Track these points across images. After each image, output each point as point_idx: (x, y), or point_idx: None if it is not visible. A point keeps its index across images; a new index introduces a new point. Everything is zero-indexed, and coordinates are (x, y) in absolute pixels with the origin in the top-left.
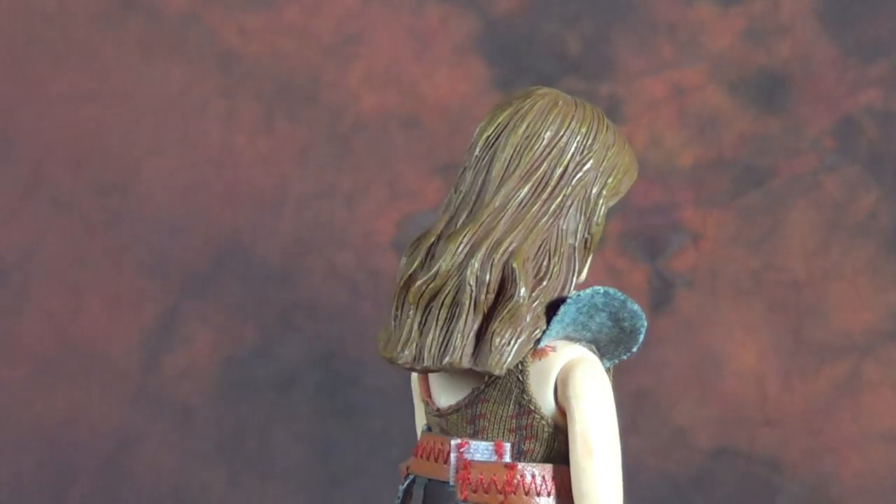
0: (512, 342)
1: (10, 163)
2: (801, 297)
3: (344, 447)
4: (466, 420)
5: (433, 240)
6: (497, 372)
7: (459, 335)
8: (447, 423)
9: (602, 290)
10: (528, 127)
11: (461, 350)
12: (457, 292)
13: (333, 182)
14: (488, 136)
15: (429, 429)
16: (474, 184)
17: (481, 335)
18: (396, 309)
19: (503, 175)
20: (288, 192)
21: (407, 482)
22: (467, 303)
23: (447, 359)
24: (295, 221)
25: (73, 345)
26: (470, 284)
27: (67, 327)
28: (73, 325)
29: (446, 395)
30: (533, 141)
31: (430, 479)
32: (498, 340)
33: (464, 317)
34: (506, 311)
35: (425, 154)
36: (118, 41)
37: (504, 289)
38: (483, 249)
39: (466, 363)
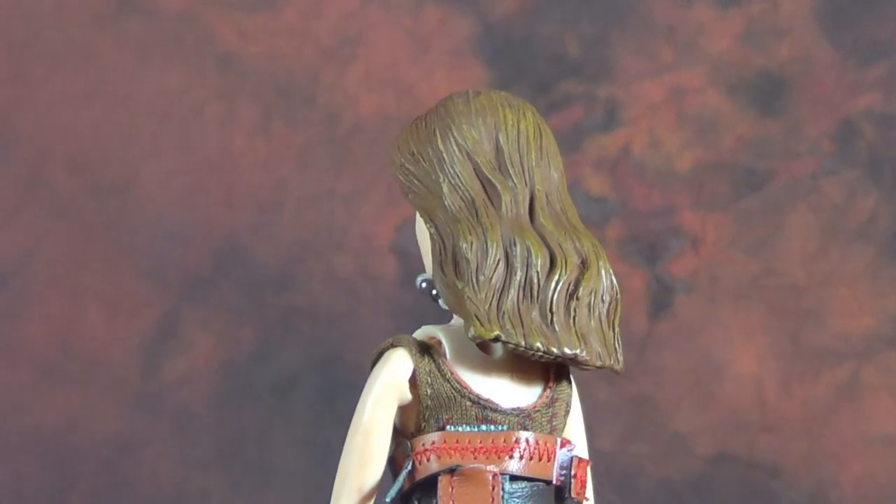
0: None
1: (8, 165)
2: (800, 301)
3: None
4: (547, 419)
5: (555, 237)
6: (622, 371)
7: (611, 334)
8: (532, 422)
9: None
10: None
11: (619, 349)
12: (604, 293)
13: (332, 185)
14: (534, 138)
15: (483, 427)
16: (547, 183)
17: (614, 335)
18: (565, 305)
19: (558, 177)
20: (287, 195)
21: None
22: (609, 303)
23: (617, 357)
24: (294, 225)
25: (73, 350)
26: (607, 285)
27: (66, 332)
28: (72, 330)
29: (516, 394)
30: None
31: (527, 479)
32: (621, 340)
33: (608, 316)
34: (621, 311)
35: None
36: (116, 42)
37: (615, 291)
38: (600, 250)
39: (620, 363)
